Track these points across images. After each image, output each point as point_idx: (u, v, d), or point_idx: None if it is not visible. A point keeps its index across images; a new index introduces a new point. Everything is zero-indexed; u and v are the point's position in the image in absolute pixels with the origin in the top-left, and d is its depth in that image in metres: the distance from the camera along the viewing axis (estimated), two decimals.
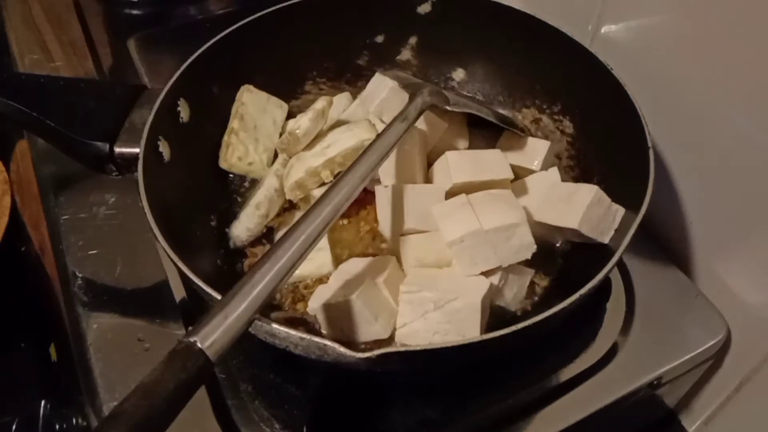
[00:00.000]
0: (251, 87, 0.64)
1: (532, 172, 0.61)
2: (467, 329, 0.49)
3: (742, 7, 0.49)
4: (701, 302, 0.59)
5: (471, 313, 0.48)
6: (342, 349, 0.40)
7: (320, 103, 0.59)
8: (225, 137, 0.62)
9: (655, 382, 0.55)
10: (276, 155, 0.64)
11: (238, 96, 0.63)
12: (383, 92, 0.64)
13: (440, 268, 0.53)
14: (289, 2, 0.66)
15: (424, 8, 0.69)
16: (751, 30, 0.49)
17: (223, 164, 0.61)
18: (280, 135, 0.64)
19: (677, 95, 0.58)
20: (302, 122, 0.59)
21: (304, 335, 0.41)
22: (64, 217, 0.65)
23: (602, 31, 0.64)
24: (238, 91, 0.64)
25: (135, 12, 0.92)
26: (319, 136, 0.61)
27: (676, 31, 0.56)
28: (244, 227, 0.59)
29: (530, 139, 0.62)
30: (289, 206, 0.61)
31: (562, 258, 0.58)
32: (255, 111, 0.63)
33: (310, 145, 0.60)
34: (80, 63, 0.84)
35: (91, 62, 0.84)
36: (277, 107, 0.66)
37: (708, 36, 0.53)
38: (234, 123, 0.62)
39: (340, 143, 0.58)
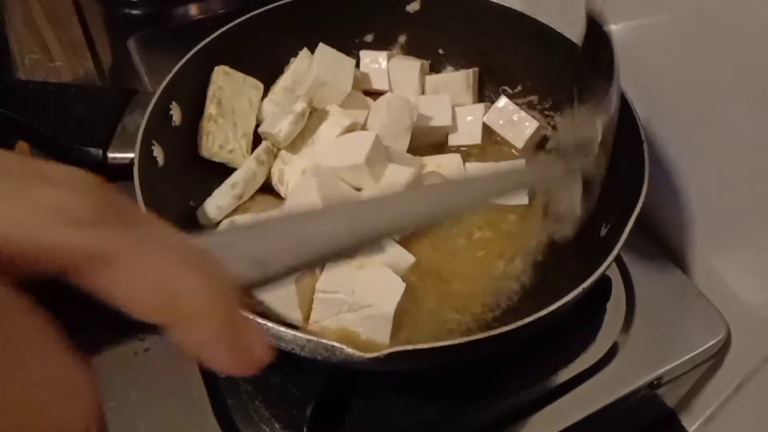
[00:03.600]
0: (227, 68, 0.63)
1: (514, 148, 0.64)
2: (378, 335, 0.49)
3: (743, 6, 0.49)
4: (701, 302, 0.59)
5: (383, 321, 0.49)
6: (350, 350, 0.40)
7: (299, 105, 0.59)
8: (203, 123, 0.60)
9: (655, 382, 0.55)
10: (253, 139, 0.64)
11: (214, 78, 0.62)
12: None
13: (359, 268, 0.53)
14: (280, 2, 0.66)
15: (413, 7, 0.69)
16: (751, 29, 0.49)
17: (203, 152, 0.61)
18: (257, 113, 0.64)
19: (677, 94, 0.58)
20: (283, 126, 0.58)
21: (311, 337, 0.41)
22: None
23: None
24: (214, 73, 0.62)
25: (135, 12, 0.92)
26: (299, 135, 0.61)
27: (676, 31, 0.56)
28: (215, 204, 0.58)
29: (524, 115, 0.63)
30: (261, 189, 0.61)
31: (558, 256, 0.58)
32: (232, 94, 0.62)
33: (294, 146, 0.60)
34: (80, 63, 0.84)
35: (91, 62, 0.84)
36: (253, 88, 0.65)
37: (708, 35, 0.53)
38: (211, 108, 0.61)
39: (324, 136, 0.58)
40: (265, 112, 0.65)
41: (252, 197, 0.60)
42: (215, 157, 0.61)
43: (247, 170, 0.59)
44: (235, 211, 0.59)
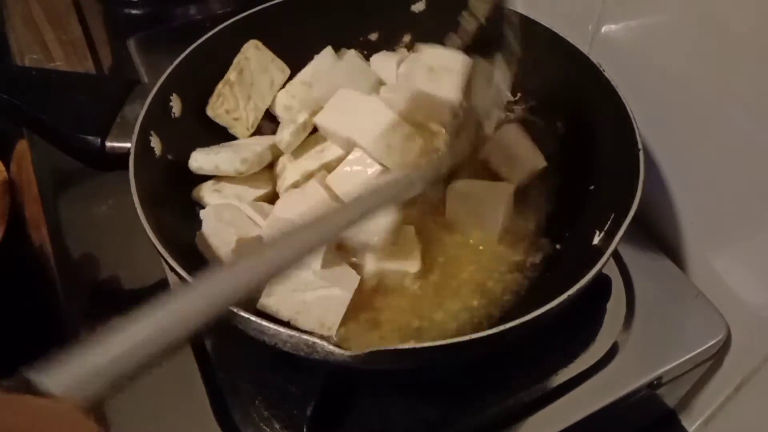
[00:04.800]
0: (259, 44, 0.64)
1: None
2: (328, 317, 0.50)
3: (742, 6, 0.49)
4: (701, 302, 0.59)
5: (339, 304, 0.50)
6: (330, 347, 0.40)
7: (302, 116, 0.59)
8: (219, 86, 0.62)
9: (655, 382, 0.56)
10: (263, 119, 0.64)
11: (244, 49, 0.63)
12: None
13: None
14: (283, 0, 0.66)
15: (418, 6, 0.70)
16: (750, 29, 0.49)
17: (209, 112, 0.61)
18: (274, 99, 0.65)
19: (678, 94, 0.58)
20: (284, 136, 0.58)
21: (293, 332, 0.41)
22: (64, 217, 0.65)
23: (602, 31, 0.64)
24: (245, 45, 0.63)
25: (135, 12, 0.92)
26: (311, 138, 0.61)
27: (676, 31, 0.56)
28: (213, 163, 0.57)
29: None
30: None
31: (553, 257, 0.58)
32: (256, 68, 0.63)
33: (303, 148, 0.60)
34: (80, 63, 0.84)
35: (91, 62, 0.84)
36: (278, 70, 0.65)
37: (708, 35, 0.53)
38: (231, 75, 0.62)
39: (335, 147, 0.58)
40: (278, 101, 0.65)
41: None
42: (219, 119, 0.62)
43: (262, 155, 0.59)
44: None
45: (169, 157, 0.57)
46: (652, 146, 0.62)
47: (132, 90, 0.59)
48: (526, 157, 0.62)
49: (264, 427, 0.51)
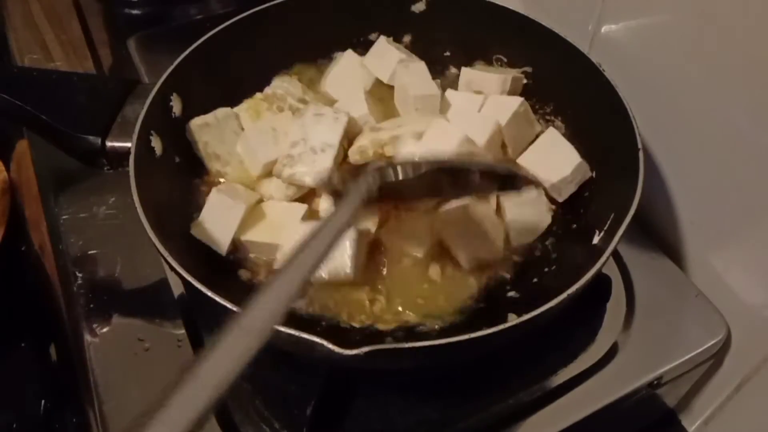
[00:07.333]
0: (199, 121, 0.60)
1: None
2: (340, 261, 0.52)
3: (742, 7, 0.49)
4: (701, 302, 0.59)
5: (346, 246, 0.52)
6: (331, 346, 0.40)
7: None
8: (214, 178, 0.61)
9: (655, 382, 0.56)
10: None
11: (196, 137, 0.60)
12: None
13: None
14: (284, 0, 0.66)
15: (418, 7, 0.70)
16: (750, 29, 0.49)
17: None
18: None
19: (678, 94, 0.58)
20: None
21: (293, 332, 0.41)
22: (64, 217, 0.65)
23: (602, 30, 0.64)
24: (191, 131, 0.60)
25: (135, 12, 0.92)
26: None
27: (676, 31, 0.56)
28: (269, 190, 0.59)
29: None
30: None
31: (556, 256, 0.58)
32: (214, 141, 0.62)
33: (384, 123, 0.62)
34: (80, 63, 0.84)
35: (91, 62, 0.84)
36: (228, 117, 0.62)
37: (708, 35, 0.53)
38: (216, 166, 0.61)
39: (412, 125, 0.60)
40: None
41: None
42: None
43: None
44: None
45: (169, 156, 0.57)
46: (652, 146, 0.62)
47: (132, 90, 0.59)
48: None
49: (264, 427, 0.51)
